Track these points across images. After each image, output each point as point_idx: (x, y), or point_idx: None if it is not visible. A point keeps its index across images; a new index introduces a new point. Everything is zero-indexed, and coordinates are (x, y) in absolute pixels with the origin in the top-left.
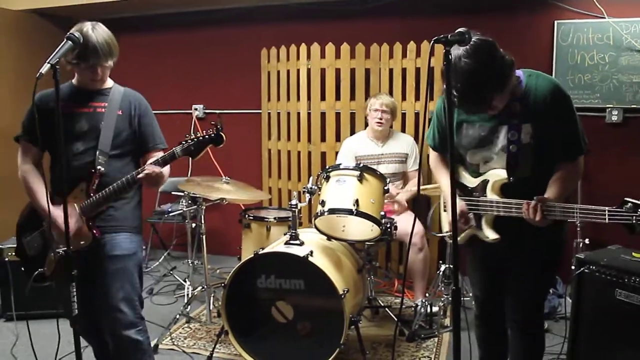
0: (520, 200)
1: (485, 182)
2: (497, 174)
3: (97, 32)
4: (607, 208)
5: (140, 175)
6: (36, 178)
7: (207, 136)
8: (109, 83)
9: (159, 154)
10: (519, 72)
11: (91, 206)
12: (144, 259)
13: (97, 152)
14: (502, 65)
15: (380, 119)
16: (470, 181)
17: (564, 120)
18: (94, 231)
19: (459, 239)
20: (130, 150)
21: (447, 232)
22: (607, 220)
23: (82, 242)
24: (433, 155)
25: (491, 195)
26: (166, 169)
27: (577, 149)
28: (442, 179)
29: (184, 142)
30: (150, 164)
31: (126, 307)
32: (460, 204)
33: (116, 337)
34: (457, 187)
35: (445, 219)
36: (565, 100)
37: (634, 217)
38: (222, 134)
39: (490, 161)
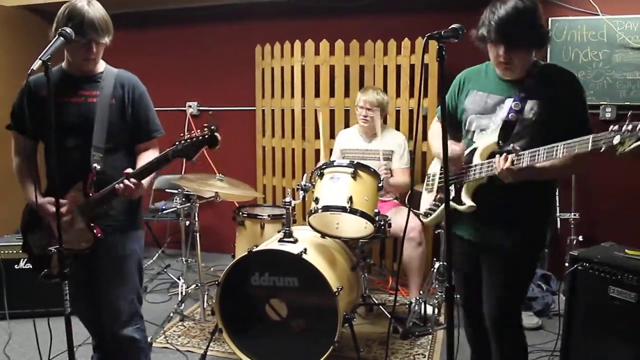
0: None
1: (473, 151)
2: (487, 140)
3: (94, 7)
4: (591, 135)
5: (117, 188)
6: (26, 173)
7: (200, 137)
8: (101, 66)
9: (153, 150)
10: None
11: (89, 206)
12: None
13: (92, 149)
14: (542, 26)
15: (365, 116)
16: None
17: (573, 107)
18: (95, 232)
19: (433, 216)
20: (125, 141)
21: (425, 211)
22: (589, 147)
23: (83, 244)
24: (434, 125)
25: (477, 162)
26: (146, 180)
27: (587, 132)
28: (436, 145)
29: (177, 144)
30: (141, 168)
31: (125, 306)
32: (455, 149)
33: (114, 335)
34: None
35: (425, 197)
36: (580, 89)
37: (621, 134)
38: (217, 135)
39: (487, 130)
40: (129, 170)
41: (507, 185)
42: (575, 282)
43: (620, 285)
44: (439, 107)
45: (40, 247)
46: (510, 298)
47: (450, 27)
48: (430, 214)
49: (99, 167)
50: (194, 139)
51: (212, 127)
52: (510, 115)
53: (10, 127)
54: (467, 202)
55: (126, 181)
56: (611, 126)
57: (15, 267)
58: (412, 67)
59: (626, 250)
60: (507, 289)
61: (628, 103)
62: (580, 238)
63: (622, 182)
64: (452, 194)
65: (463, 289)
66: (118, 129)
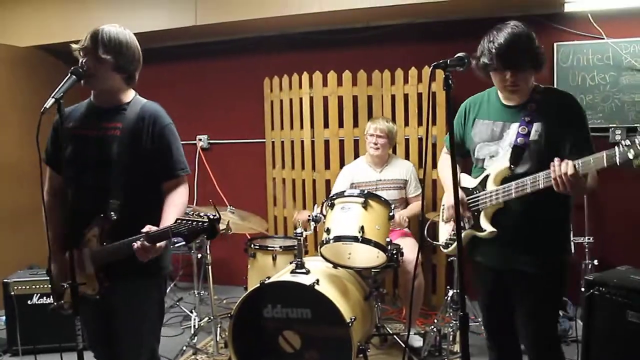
0: (519, 180)
1: (486, 177)
2: (499, 166)
3: (114, 27)
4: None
5: (135, 247)
6: (51, 219)
7: (200, 225)
8: (128, 97)
9: (181, 189)
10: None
11: (101, 255)
12: None
13: (110, 195)
14: (539, 47)
15: (375, 143)
16: (470, 182)
17: (576, 127)
18: (102, 282)
19: (453, 246)
20: (150, 179)
21: (445, 242)
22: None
23: (89, 291)
24: (443, 156)
25: (491, 188)
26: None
27: (589, 152)
28: (446, 177)
29: (179, 221)
30: (143, 237)
31: (143, 352)
32: (461, 195)
33: None
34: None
35: (443, 228)
36: (580, 110)
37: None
38: (217, 227)
39: (496, 156)
40: (148, 228)
41: (525, 207)
42: (592, 307)
43: (638, 310)
44: (447, 136)
45: (57, 276)
46: (546, 321)
47: (456, 55)
48: (451, 244)
49: (115, 216)
50: (193, 223)
51: (213, 217)
52: (518, 140)
53: (46, 162)
54: (488, 227)
55: (137, 243)
56: (623, 141)
57: (29, 302)
58: (419, 95)
59: None
60: (541, 313)
61: (637, 125)
62: (596, 262)
63: (635, 204)
64: (472, 222)
65: (486, 314)
66: (139, 167)
